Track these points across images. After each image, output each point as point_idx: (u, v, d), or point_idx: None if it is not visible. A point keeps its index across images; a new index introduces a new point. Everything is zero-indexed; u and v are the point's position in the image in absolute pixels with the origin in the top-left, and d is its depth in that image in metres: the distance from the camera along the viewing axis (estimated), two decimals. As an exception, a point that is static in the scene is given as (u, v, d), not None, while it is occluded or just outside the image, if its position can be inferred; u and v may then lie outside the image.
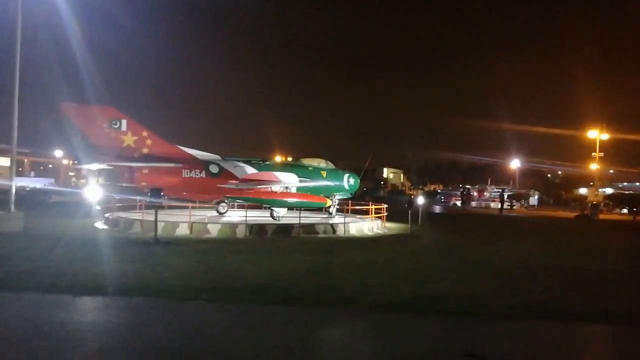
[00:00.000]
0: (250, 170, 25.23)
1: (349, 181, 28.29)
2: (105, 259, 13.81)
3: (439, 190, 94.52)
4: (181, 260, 14.12)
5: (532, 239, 24.19)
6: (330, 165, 28.54)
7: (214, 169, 24.64)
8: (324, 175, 27.30)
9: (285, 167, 27.90)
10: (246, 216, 22.22)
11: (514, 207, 63.59)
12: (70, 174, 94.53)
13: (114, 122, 23.34)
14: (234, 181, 24.64)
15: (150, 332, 7.63)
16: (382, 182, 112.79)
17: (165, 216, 23.35)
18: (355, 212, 29.81)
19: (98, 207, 27.25)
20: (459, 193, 76.68)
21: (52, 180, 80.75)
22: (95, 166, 25.52)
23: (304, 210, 25.64)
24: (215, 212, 27.27)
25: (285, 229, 22.40)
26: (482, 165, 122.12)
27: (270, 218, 24.75)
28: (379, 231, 25.86)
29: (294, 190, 25.58)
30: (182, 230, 21.45)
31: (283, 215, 24.99)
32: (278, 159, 42.72)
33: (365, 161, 32.58)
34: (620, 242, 25.32)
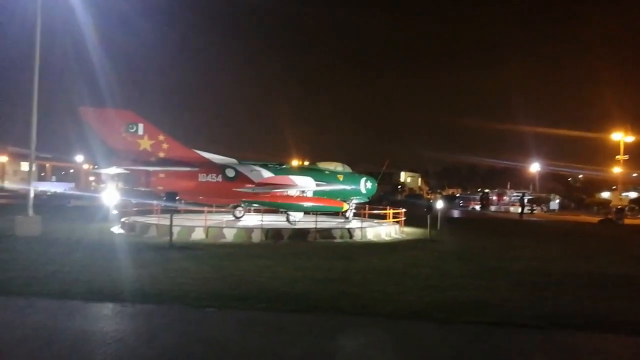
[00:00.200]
0: (266, 174, 25.01)
1: (366, 185, 27.88)
2: (119, 264, 13.66)
3: (458, 195, 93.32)
4: (195, 266, 13.90)
5: (555, 245, 23.45)
6: (347, 169, 28.18)
7: (230, 173, 24.47)
8: (341, 179, 26.93)
9: (301, 170, 27.58)
10: (262, 220, 21.96)
11: (535, 212, 62.36)
12: (91, 178, 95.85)
13: (130, 126, 23.31)
14: (250, 185, 24.43)
15: (161, 340, 7.37)
16: (399, 186, 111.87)
17: (181, 220, 23.27)
18: (373, 216, 29.36)
19: (115, 212, 27.32)
20: (478, 197, 75.61)
21: (73, 184, 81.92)
22: (113, 170, 25.55)
23: (321, 214, 25.30)
24: (231, 216, 27.09)
25: (302, 233, 22.08)
26: (501, 169, 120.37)
27: (287, 222, 24.48)
28: (397, 236, 25.39)
29: (310, 194, 25.28)
30: (198, 235, 21.29)
31: (299, 219, 24.68)
32: (294, 162, 42.49)
33: (382, 165, 32.15)
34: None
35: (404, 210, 29.27)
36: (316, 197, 25.19)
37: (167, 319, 8.62)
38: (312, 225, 22.36)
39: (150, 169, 23.43)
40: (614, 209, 48.60)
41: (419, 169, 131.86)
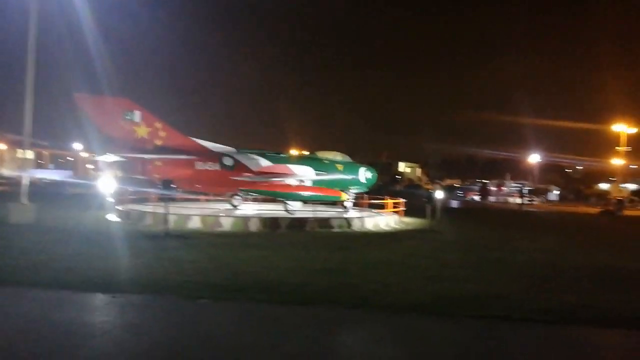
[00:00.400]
0: (264, 163, 24.68)
1: (365, 175, 27.59)
2: (112, 253, 13.33)
3: (457, 185, 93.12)
4: (190, 255, 13.59)
5: (556, 236, 23.19)
6: (347, 159, 27.86)
7: (228, 161, 24.14)
8: (340, 169, 26.62)
9: (300, 160, 27.25)
10: (260, 210, 21.66)
11: (534, 203, 62.19)
12: (89, 166, 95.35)
13: (127, 114, 22.92)
14: (248, 174, 24.13)
15: (151, 333, 7.08)
16: (398, 177, 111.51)
17: (178, 209, 22.98)
18: (372, 206, 29.07)
19: (111, 200, 26.97)
20: (477, 188, 75.42)
21: (71, 172, 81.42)
22: (110, 158, 25.22)
23: (319, 203, 25.00)
24: (229, 205, 26.79)
25: (300, 223, 21.79)
26: (500, 160, 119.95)
27: (285, 212, 24.20)
28: (396, 226, 25.12)
29: (309, 183, 24.98)
30: (194, 224, 21.00)
31: (297, 209, 24.40)
32: (293, 151, 42.14)
33: (380, 155, 31.81)
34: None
35: (403, 200, 29.00)
36: (315, 187, 24.90)
37: (159, 310, 8.32)
38: (310, 215, 22.06)
39: (147, 156, 23.09)
40: (614, 201, 48.44)
41: (418, 160, 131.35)
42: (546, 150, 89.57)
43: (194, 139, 24.47)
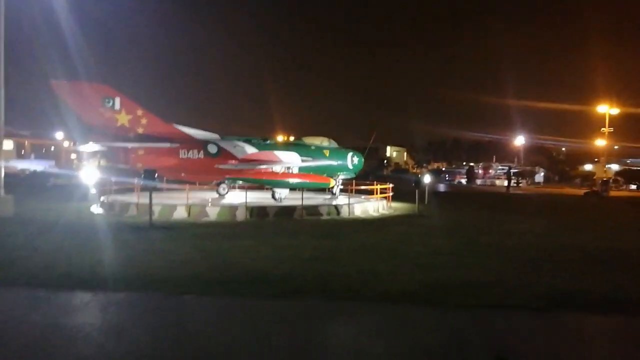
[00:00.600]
0: (250, 149, 24.25)
1: (352, 160, 27.31)
2: (94, 247, 12.87)
3: (444, 169, 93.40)
4: (175, 247, 13.20)
5: (544, 218, 23.19)
6: (334, 144, 27.51)
7: (212, 148, 23.66)
8: (327, 155, 26.29)
9: (286, 146, 26.83)
10: (246, 198, 21.27)
11: (520, 185, 62.56)
12: (72, 156, 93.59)
13: (107, 100, 22.23)
14: (233, 161, 23.71)
15: (133, 333, 6.71)
16: (385, 161, 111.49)
17: (163, 199, 22.50)
18: (360, 192, 28.82)
19: (94, 190, 26.34)
20: (464, 171, 75.71)
21: (53, 162, 79.80)
22: (91, 147, 24.55)
23: (307, 191, 24.67)
24: (215, 193, 26.34)
25: (288, 210, 21.45)
26: (485, 142, 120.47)
27: (272, 199, 23.83)
28: (384, 212, 24.92)
29: (296, 170, 24.61)
30: (180, 214, 20.55)
31: (285, 196, 24.05)
32: (279, 137, 41.62)
33: (369, 139, 31.53)
34: (638, 220, 24.35)
35: (391, 185, 28.79)
36: (302, 174, 24.56)
37: (141, 308, 7.93)
38: (298, 202, 21.73)
39: (129, 145, 22.50)
40: (599, 182, 48.85)
41: (405, 144, 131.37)
42: (531, 132, 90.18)
43: (177, 125, 23.90)
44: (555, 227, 19.94)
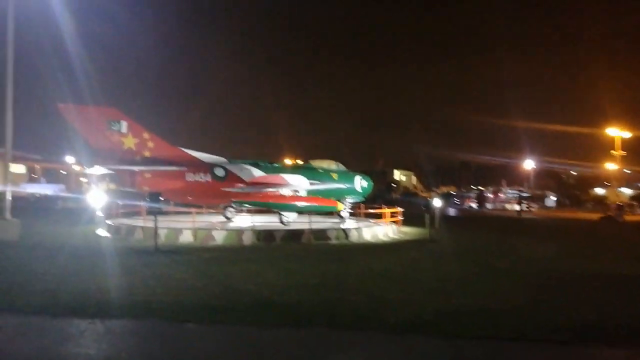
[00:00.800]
0: (257, 173, 24.03)
1: (361, 183, 26.95)
2: (97, 272, 12.56)
3: (453, 193, 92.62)
4: (180, 272, 12.85)
5: (559, 243, 22.53)
6: (342, 167, 27.23)
7: (219, 172, 23.48)
8: (335, 178, 25.98)
9: (294, 169, 26.60)
10: (253, 222, 20.93)
11: (532, 209, 61.65)
12: (83, 179, 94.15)
13: (113, 124, 22.24)
14: (241, 185, 23.46)
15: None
16: (393, 185, 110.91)
17: (169, 222, 22.21)
18: (369, 216, 28.38)
19: (100, 214, 26.18)
20: (474, 195, 74.95)
21: (63, 186, 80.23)
22: (99, 170, 24.52)
23: (315, 214, 24.30)
24: (222, 217, 26.03)
25: (295, 234, 21.06)
26: (494, 165, 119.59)
27: (279, 223, 23.47)
28: (394, 236, 24.42)
29: (303, 193, 24.30)
30: (186, 238, 20.25)
31: (293, 220, 23.67)
32: (287, 161, 41.49)
33: (374, 163, 31.26)
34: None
35: (400, 209, 28.35)
36: (310, 197, 24.23)
37: (139, 337, 7.58)
38: (306, 226, 21.35)
39: (135, 168, 22.39)
40: (614, 206, 47.96)
41: (411, 166, 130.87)
42: (540, 155, 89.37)
43: (184, 149, 23.80)
44: (569, 252, 19.33)
